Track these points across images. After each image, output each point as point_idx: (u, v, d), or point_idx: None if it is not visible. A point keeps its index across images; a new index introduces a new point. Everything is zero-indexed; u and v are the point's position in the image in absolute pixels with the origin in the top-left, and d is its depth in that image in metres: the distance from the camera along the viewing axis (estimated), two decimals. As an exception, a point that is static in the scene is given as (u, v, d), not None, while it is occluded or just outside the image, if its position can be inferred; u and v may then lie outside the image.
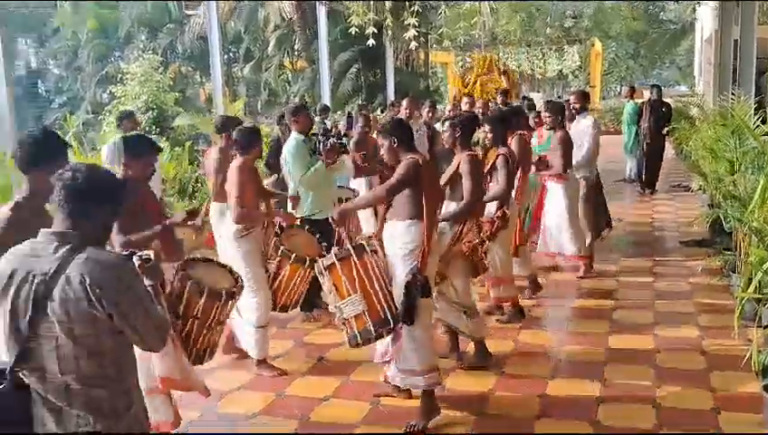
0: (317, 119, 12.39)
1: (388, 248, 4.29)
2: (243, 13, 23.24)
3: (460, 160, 5.06)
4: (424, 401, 4.29)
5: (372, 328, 4.11)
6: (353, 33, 13.20)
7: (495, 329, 5.77)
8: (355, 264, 4.10)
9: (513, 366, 5.16)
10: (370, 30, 12.86)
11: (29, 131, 3.23)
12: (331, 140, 6.08)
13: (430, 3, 18.09)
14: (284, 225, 5.40)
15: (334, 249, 4.27)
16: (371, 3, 13.22)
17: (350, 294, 4.10)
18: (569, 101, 8.35)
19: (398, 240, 4.23)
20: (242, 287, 4.29)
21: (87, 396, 2.31)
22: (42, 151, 3.11)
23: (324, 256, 4.62)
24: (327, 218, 4.96)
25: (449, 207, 5.05)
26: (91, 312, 2.24)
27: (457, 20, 22.21)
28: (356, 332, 4.15)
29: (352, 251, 4.13)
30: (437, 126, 9.77)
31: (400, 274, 4.19)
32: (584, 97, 8.11)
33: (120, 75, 18.38)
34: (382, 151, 4.44)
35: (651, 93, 12.32)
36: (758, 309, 4.53)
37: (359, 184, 7.86)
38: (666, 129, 11.71)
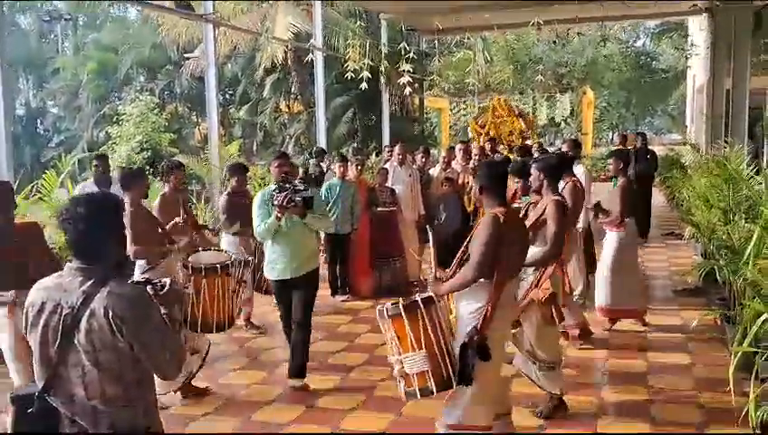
0: (312, 162, 12.42)
1: (457, 303, 4.12)
2: (240, 56, 23.48)
3: (546, 204, 4.96)
4: None
5: (434, 387, 3.94)
6: (349, 77, 13.32)
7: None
8: (423, 318, 3.91)
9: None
10: (365, 75, 12.99)
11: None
12: (285, 193, 5.42)
13: (425, 50, 18.34)
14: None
15: (402, 299, 4.06)
16: (367, 49, 13.37)
17: (414, 350, 3.91)
18: (561, 149, 8.37)
19: (464, 297, 4.05)
20: (237, 261, 5.59)
21: (112, 417, 2.50)
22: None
23: (234, 263, 5.46)
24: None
25: (532, 251, 4.76)
26: (114, 342, 2.44)
27: (451, 67, 22.52)
28: (416, 388, 3.97)
29: (421, 305, 3.93)
30: (431, 171, 9.79)
31: (462, 332, 4.01)
32: (576, 145, 8.12)
33: (116, 116, 18.48)
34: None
35: (637, 141, 12.45)
36: (754, 362, 4.44)
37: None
38: (654, 176, 11.79)
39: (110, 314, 2.43)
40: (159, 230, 5.72)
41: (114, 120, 18.77)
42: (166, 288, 2.76)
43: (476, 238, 3.99)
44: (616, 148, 7.70)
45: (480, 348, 3.90)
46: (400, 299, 4.07)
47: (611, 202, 6.91)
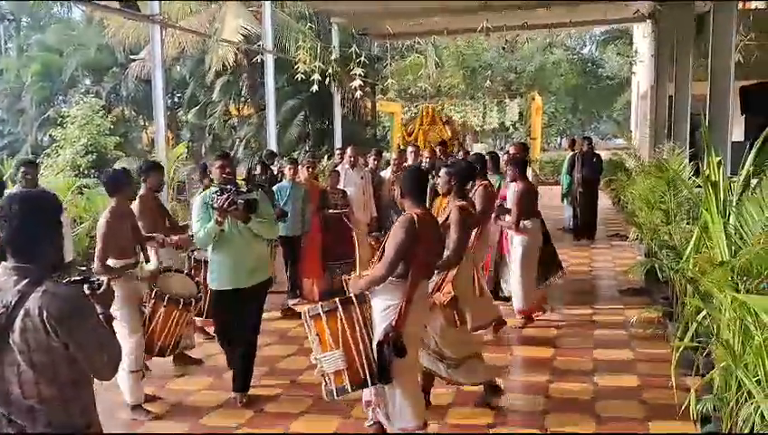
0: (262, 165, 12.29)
1: (372, 301, 4.21)
2: (188, 58, 23.13)
3: (450, 210, 5.03)
4: None
5: (350, 386, 4.09)
6: (300, 80, 13.24)
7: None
8: (341, 318, 4.04)
9: (453, 415, 5.06)
10: (316, 78, 12.93)
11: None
12: (226, 196, 5.09)
13: (376, 54, 18.39)
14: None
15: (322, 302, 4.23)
16: (318, 52, 13.33)
17: (331, 349, 4.05)
18: (509, 152, 8.48)
19: (380, 296, 4.15)
20: (199, 298, 5.50)
21: (48, 416, 2.45)
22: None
23: (197, 298, 5.48)
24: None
25: None
26: (48, 342, 2.38)
27: (403, 72, 22.64)
28: (333, 387, 4.12)
29: (339, 305, 4.07)
30: (383, 174, 9.80)
31: (377, 329, 4.12)
32: (524, 148, 8.25)
33: (60, 118, 18.00)
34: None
35: (583, 145, 12.72)
36: (695, 357, 4.56)
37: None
38: (599, 179, 12.04)
39: (45, 314, 2.38)
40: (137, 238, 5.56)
41: (58, 122, 18.29)
42: (103, 287, 2.70)
43: (391, 238, 4.12)
44: (512, 156, 7.89)
45: (396, 345, 4.00)
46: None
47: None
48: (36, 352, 2.40)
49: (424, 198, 4.41)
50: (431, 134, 17.74)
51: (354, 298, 4.12)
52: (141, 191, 6.16)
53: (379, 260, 4.22)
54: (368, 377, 4.06)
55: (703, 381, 4.15)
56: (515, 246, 7.16)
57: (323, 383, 4.19)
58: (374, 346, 4.08)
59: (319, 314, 4.08)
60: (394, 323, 4.03)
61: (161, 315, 5.27)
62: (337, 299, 4.11)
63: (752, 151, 4.53)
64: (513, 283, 7.32)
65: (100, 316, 2.61)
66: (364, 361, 4.06)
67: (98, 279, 2.74)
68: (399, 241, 4.04)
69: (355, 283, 4.24)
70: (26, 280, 2.43)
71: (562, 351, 6.47)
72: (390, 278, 4.08)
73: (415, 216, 4.11)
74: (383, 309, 4.11)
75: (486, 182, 6.78)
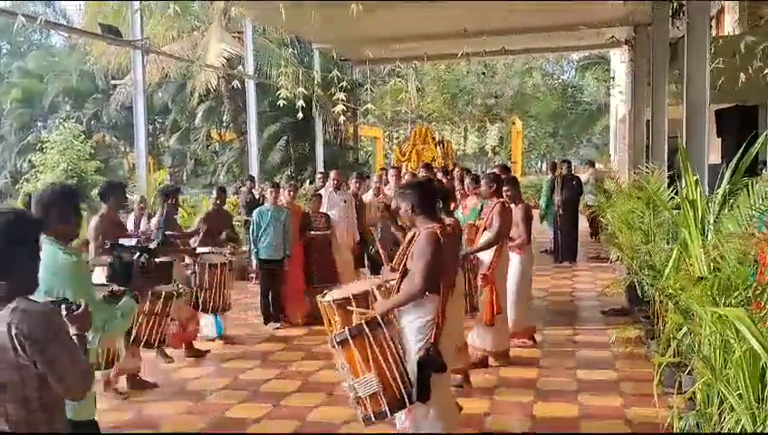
0: (244, 189, 12.29)
1: (401, 319, 4.13)
2: (170, 84, 23.13)
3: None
4: None
5: (387, 409, 3.97)
6: (282, 105, 13.29)
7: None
8: (369, 341, 3.94)
9: None
10: (299, 103, 12.99)
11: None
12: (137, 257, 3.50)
13: (358, 80, 18.53)
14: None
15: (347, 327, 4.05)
16: (300, 77, 13.40)
17: (364, 373, 3.94)
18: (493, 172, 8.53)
19: (412, 313, 4.08)
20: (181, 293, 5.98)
21: None
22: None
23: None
24: None
25: None
26: (16, 360, 2.30)
27: (384, 97, 22.82)
28: (371, 413, 4.01)
29: (366, 328, 3.95)
30: (365, 197, 9.80)
31: (412, 347, 4.05)
32: (506, 171, 8.30)
33: (40, 144, 17.89)
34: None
35: (562, 168, 12.88)
36: (677, 375, 4.58)
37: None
38: (579, 201, 12.21)
39: (14, 331, 2.31)
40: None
41: (38, 148, 18.18)
42: (81, 309, 2.65)
43: (419, 255, 4.05)
44: (491, 171, 7.93)
45: (437, 361, 3.94)
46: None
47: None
48: (4, 371, 2.34)
49: (436, 210, 4.38)
50: (425, 154, 17.87)
51: (380, 319, 4.02)
52: (102, 211, 6.14)
53: (401, 279, 4.15)
54: (405, 397, 3.97)
55: (685, 397, 4.17)
56: (512, 267, 6.98)
57: (359, 410, 4.07)
58: (407, 365, 4.00)
59: (346, 338, 3.96)
60: (432, 338, 3.99)
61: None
62: (363, 322, 3.99)
63: (727, 171, 4.62)
64: (507, 306, 7.00)
65: (73, 337, 2.55)
66: (399, 381, 3.96)
67: (76, 301, 2.70)
68: (430, 256, 4.01)
69: (381, 304, 4.12)
70: None
71: (546, 371, 6.47)
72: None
73: (437, 230, 4.09)
74: (419, 327, 4.05)
75: (503, 199, 6.68)
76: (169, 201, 7.34)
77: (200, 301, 7.33)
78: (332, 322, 4.16)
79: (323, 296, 4.23)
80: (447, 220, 5.14)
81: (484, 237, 6.52)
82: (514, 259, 7.01)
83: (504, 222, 6.50)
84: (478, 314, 6.39)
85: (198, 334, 7.64)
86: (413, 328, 4.08)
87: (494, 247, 6.44)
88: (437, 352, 3.98)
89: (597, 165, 15.38)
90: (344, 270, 8.93)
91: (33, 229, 2.55)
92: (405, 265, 4.17)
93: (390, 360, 3.96)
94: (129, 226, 8.33)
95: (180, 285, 6.41)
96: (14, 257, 2.44)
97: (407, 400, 3.97)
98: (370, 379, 3.93)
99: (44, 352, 2.34)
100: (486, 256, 6.48)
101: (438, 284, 4.04)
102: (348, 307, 4.10)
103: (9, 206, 3.57)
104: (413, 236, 4.27)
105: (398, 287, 4.19)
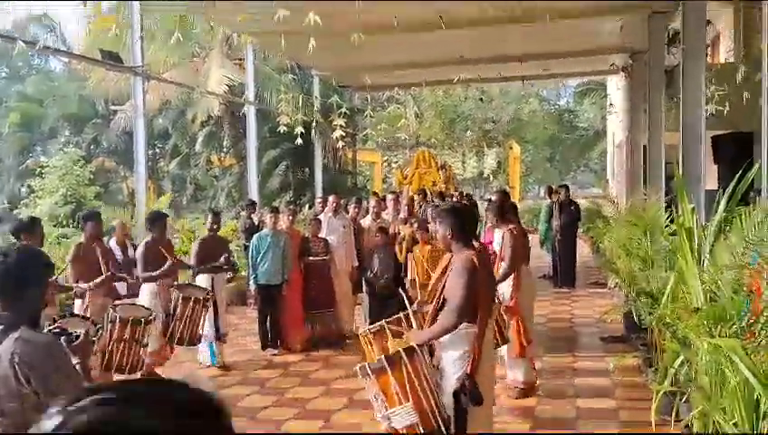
0: (243, 214, 12.33)
1: (438, 349, 4.03)
2: (170, 110, 23.30)
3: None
4: None
5: None
6: (282, 131, 13.40)
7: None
8: (407, 370, 3.82)
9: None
10: (299, 130, 13.08)
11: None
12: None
13: (357, 106, 18.69)
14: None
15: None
16: (300, 103, 13.51)
17: (401, 403, 3.82)
18: (491, 199, 8.59)
19: (449, 343, 3.94)
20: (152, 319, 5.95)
21: None
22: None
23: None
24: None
25: None
26: (18, 389, 2.33)
27: (383, 122, 22.99)
28: None
29: (404, 355, 3.85)
30: (363, 222, 9.84)
31: (449, 379, 3.91)
32: (506, 196, 8.34)
33: (39, 169, 17.97)
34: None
35: (560, 193, 12.94)
36: (674, 403, 4.59)
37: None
38: (578, 227, 12.25)
39: (17, 360, 2.35)
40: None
41: (37, 173, 18.24)
42: (80, 339, 2.71)
43: (454, 283, 3.92)
44: (489, 199, 7.86)
45: (473, 393, 3.81)
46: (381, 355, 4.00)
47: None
48: (6, 399, 2.36)
49: (473, 236, 4.27)
50: (426, 178, 17.98)
51: (417, 347, 3.93)
52: (80, 239, 6.23)
53: (438, 307, 4.04)
54: (443, 428, 3.84)
55: (682, 425, 4.19)
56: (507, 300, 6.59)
57: None
58: (443, 397, 3.90)
59: (384, 367, 3.85)
60: (468, 370, 3.84)
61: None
62: (400, 349, 3.90)
63: (723, 199, 4.67)
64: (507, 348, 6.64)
65: (76, 366, 2.60)
66: (435, 412, 3.85)
67: (75, 331, 2.75)
68: (466, 284, 3.86)
69: (417, 335, 4.04)
70: (1, 327, 2.44)
71: (545, 399, 6.46)
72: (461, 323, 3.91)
73: (473, 256, 3.95)
74: (456, 358, 3.91)
75: (513, 226, 6.56)
76: (155, 228, 7.22)
77: (169, 330, 7.08)
78: (367, 351, 4.13)
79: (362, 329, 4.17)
80: (476, 244, 5.14)
81: (501, 269, 6.34)
82: (507, 293, 6.66)
83: (516, 249, 6.42)
84: (508, 347, 6.16)
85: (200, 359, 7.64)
86: (450, 359, 3.95)
87: (512, 277, 6.34)
88: (474, 384, 3.84)
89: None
90: (342, 296, 8.95)
91: (43, 265, 2.67)
92: (442, 293, 4.04)
93: (428, 390, 3.86)
94: (117, 252, 8.19)
95: (153, 311, 6.35)
96: (23, 290, 2.52)
97: (444, 431, 3.84)
98: (408, 409, 3.81)
99: (47, 382, 2.36)
100: (505, 288, 6.32)
101: (476, 312, 3.89)
102: (384, 336, 4.06)
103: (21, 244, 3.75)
104: (448, 263, 4.13)
105: (435, 316, 4.06)
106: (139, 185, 11.11)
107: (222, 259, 7.89)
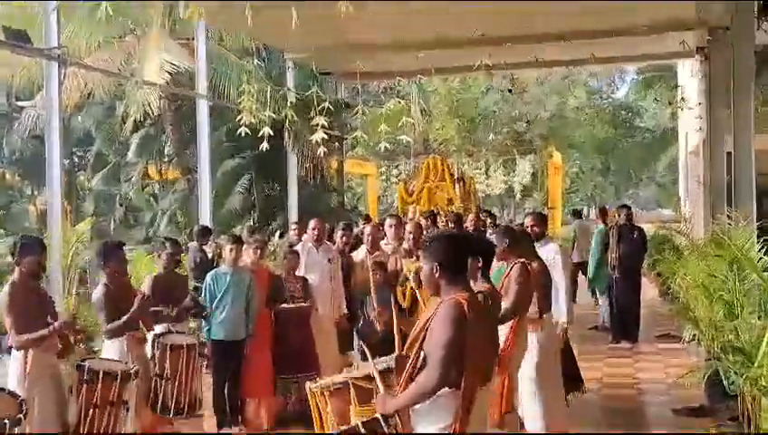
0: (193, 245, 12.31)
1: (412, 421, 4.05)
2: (94, 106, 23.32)
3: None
4: None
5: None
6: (244, 133, 13.42)
7: None
8: None
9: None
10: (267, 131, 13.11)
11: None
12: None
13: (345, 100, 18.75)
14: None
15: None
16: (269, 97, 13.56)
17: None
18: (523, 224, 8.61)
19: (425, 414, 3.99)
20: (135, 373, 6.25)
21: None
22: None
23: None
24: None
25: None
26: None
27: (380, 122, 23.02)
28: None
29: (362, 430, 4.00)
30: (355, 255, 9.82)
31: None
32: (543, 220, 8.39)
33: None
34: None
35: (619, 216, 12.88)
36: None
37: None
38: (642, 260, 12.20)
39: None
40: None
41: None
42: None
43: (435, 335, 3.94)
44: (500, 225, 7.99)
45: None
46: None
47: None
48: None
49: (466, 273, 4.30)
50: (439, 195, 17.93)
51: (381, 417, 3.99)
52: (14, 276, 6.24)
53: (416, 368, 4.05)
54: None
55: None
56: (528, 349, 6.88)
57: None
58: None
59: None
60: None
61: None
62: (359, 422, 3.99)
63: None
64: (526, 404, 7.00)
65: None
66: None
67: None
68: (449, 337, 3.88)
69: (385, 400, 4.05)
70: None
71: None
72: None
73: (463, 300, 3.98)
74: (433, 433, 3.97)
75: (523, 260, 6.73)
76: (111, 263, 7.22)
77: (160, 396, 7.17)
78: (323, 415, 4.16)
79: (314, 382, 4.25)
80: (482, 287, 5.14)
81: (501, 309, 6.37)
82: (529, 338, 6.93)
83: (524, 289, 6.53)
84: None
85: None
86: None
87: (510, 323, 6.43)
88: None
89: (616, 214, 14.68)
90: (327, 355, 8.92)
91: None
92: (421, 346, 4.06)
93: None
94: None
95: (134, 366, 6.45)
96: None
97: None
98: None
99: None
100: (501, 333, 6.27)
101: (460, 375, 3.90)
102: (346, 397, 4.11)
103: None
104: (435, 310, 4.11)
105: (411, 376, 4.05)
106: (53, 206, 11.08)
107: (188, 301, 7.92)
